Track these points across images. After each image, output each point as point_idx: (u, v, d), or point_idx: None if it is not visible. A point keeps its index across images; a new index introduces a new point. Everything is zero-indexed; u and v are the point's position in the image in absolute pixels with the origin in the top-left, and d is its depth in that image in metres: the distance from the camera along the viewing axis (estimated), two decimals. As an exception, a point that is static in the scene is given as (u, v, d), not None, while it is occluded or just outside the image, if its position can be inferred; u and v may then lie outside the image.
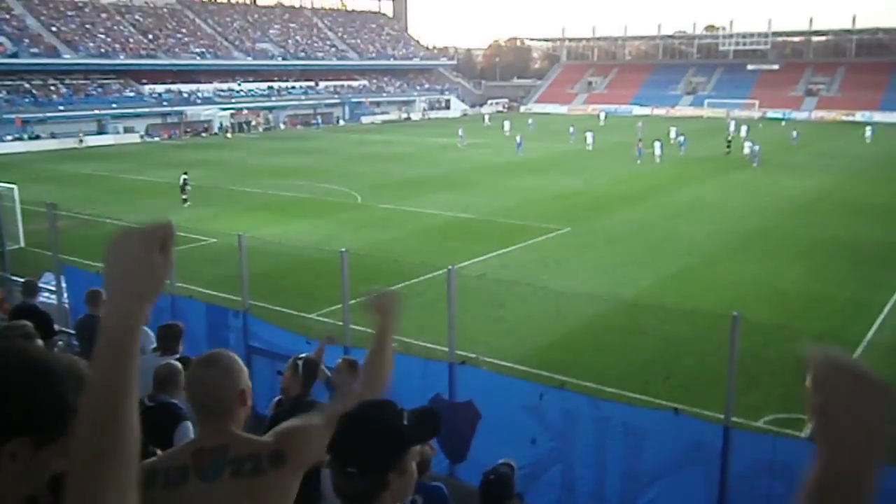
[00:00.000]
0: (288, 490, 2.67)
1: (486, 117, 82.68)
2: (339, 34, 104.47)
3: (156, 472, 2.69)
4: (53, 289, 12.89)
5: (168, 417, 5.53)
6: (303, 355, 6.09)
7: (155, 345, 7.44)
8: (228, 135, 70.30)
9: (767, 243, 24.77)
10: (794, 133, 57.19)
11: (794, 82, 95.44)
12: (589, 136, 53.86)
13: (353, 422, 2.28)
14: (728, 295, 18.50)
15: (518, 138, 52.51)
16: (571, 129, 61.98)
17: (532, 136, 60.70)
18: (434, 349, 13.64)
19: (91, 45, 73.36)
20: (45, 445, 1.51)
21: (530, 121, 76.35)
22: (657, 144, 46.26)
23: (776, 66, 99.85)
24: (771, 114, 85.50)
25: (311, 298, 18.04)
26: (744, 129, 59.07)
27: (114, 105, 69.30)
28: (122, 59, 73.92)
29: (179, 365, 6.22)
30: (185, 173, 32.95)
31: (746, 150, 46.07)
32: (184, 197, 32.18)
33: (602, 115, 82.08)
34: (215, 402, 2.76)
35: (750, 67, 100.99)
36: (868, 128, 60.01)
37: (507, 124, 69.00)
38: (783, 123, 77.11)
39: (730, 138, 52.59)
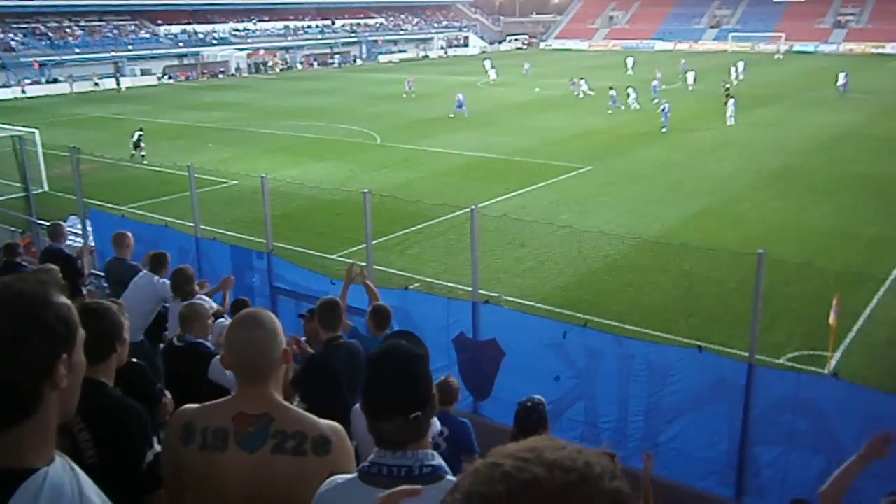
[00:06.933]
0: (322, 480, 2.53)
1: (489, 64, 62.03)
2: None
3: (193, 428, 2.65)
4: (79, 232, 13.01)
5: (198, 357, 5.62)
6: (324, 298, 6.06)
7: (172, 294, 7.56)
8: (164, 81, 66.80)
9: (793, 181, 24.43)
10: (842, 77, 45.57)
11: (821, 14, 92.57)
12: (632, 92, 41.07)
13: (401, 368, 2.29)
14: (752, 233, 18.34)
15: (459, 97, 40.66)
16: (573, 83, 48.59)
17: (538, 79, 59.40)
18: (456, 289, 13.73)
19: (105, -15, 72.60)
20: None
21: (526, 65, 64.53)
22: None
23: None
24: (798, 47, 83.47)
25: (333, 239, 18.12)
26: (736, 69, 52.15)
27: (129, 47, 68.87)
28: (136, 0, 73.12)
29: (203, 304, 6.33)
30: (141, 129, 30.69)
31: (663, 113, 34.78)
32: (142, 153, 29.31)
33: (630, 62, 62.27)
34: (262, 365, 2.65)
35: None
36: (842, 74, 46.33)
37: (488, 63, 60.89)
38: (776, 57, 75.56)
39: (728, 85, 44.06)
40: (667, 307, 14.46)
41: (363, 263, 9.07)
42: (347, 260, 16.01)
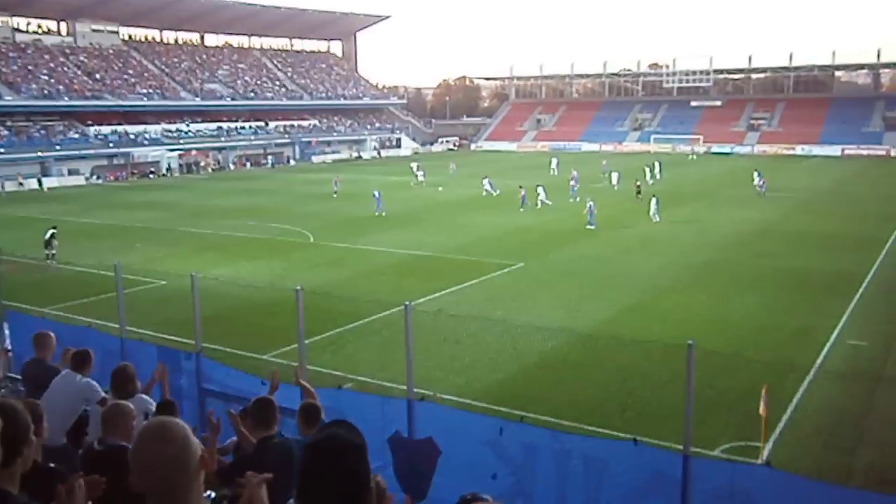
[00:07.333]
0: None
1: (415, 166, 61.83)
2: (289, 74, 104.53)
3: None
4: (-5, 335, 12.44)
5: (120, 462, 5.31)
6: (258, 397, 5.91)
7: (102, 395, 7.20)
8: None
9: (718, 275, 25.24)
10: (756, 177, 48.65)
11: (736, 118, 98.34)
12: (541, 191, 43.00)
13: (339, 457, 2.20)
14: (681, 327, 18.73)
15: (376, 193, 41.86)
16: (485, 181, 49.38)
17: (465, 179, 60.72)
18: (391, 387, 13.50)
19: (34, 86, 72.12)
20: None
21: (453, 165, 68.25)
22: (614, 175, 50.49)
23: (718, 102, 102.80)
24: (716, 148, 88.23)
25: (265, 339, 17.75)
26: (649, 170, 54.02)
27: (57, 147, 67.98)
28: (66, 101, 72.66)
29: (128, 404, 5.99)
30: (54, 227, 29.63)
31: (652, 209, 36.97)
32: (52, 252, 28.39)
33: (554, 162, 65.06)
34: (175, 482, 2.42)
35: (693, 104, 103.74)
36: (756, 173, 49.40)
37: (415, 166, 62.11)
38: (690, 157, 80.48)
39: (639, 183, 46.40)
40: (602, 401, 14.50)
41: (295, 364, 8.88)
42: (279, 361, 15.73)
